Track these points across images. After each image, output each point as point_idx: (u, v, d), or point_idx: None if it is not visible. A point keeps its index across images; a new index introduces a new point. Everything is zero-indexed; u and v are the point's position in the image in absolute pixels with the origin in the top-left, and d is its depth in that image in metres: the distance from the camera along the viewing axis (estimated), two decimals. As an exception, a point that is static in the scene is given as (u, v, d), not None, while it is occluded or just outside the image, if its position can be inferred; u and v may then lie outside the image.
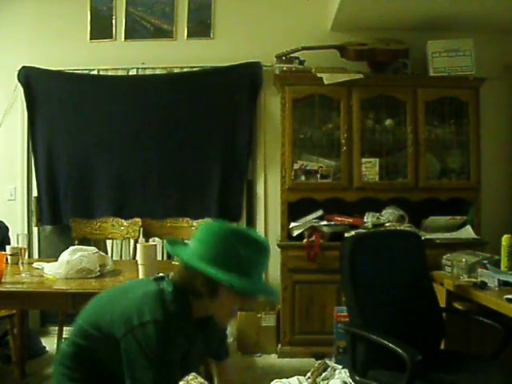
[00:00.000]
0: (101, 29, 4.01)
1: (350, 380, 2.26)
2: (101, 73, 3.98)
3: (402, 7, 3.45)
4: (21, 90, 3.95)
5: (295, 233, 3.57)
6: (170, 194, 3.84)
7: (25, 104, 3.96)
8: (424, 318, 2.31)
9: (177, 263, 1.58)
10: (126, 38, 4.01)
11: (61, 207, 3.95)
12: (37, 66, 3.93)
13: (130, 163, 3.86)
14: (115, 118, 3.89)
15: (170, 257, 3.71)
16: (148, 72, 3.96)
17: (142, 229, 3.60)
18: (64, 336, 3.29)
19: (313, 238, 3.48)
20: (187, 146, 3.86)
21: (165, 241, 1.49)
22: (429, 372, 2.01)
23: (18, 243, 2.98)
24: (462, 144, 3.70)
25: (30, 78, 3.93)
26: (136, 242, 3.48)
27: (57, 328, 3.30)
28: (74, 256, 2.52)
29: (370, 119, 3.70)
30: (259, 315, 3.57)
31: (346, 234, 3.44)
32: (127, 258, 3.72)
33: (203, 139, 3.86)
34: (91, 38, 4.02)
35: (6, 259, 2.71)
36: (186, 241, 1.53)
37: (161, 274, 1.50)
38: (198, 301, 1.41)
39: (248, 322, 3.57)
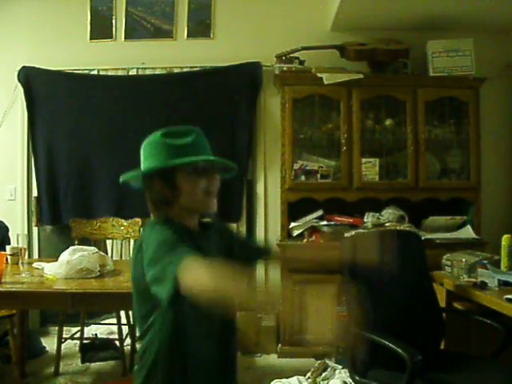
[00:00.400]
0: (101, 29, 4.01)
1: (350, 380, 2.26)
2: (101, 73, 3.97)
3: (402, 7, 3.45)
4: (21, 90, 3.94)
5: (295, 233, 3.57)
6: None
7: (25, 104, 3.95)
8: (424, 318, 2.31)
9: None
10: (125, 38, 4.01)
11: (61, 207, 3.95)
12: (37, 66, 3.92)
13: (130, 163, 3.84)
14: (115, 117, 3.89)
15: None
16: (148, 72, 3.96)
17: (142, 229, 3.60)
18: (64, 336, 3.29)
19: (313, 238, 3.48)
20: (187, 145, 3.85)
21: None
22: (429, 372, 2.01)
23: (18, 243, 2.98)
24: (462, 144, 3.70)
25: (29, 78, 3.93)
26: (136, 242, 3.48)
27: (57, 328, 3.29)
28: (73, 256, 2.52)
29: (369, 119, 3.70)
30: (259, 315, 3.57)
31: (346, 234, 3.44)
32: (127, 258, 3.72)
33: (203, 139, 3.85)
34: (91, 38, 4.01)
35: (6, 259, 2.71)
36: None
37: None
38: (173, 209, 1.46)
39: (248, 322, 3.57)
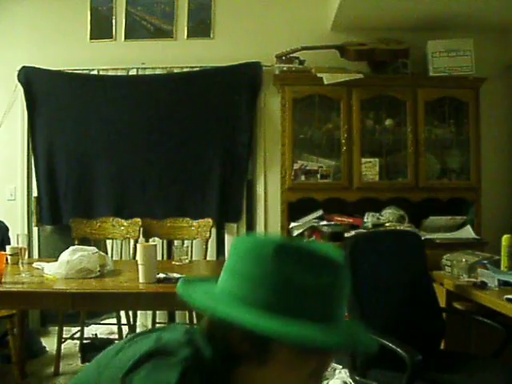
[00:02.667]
0: (101, 29, 4.01)
1: (350, 380, 2.26)
2: (101, 73, 3.97)
3: (402, 7, 3.45)
4: (21, 90, 3.94)
5: (295, 233, 3.57)
6: (170, 193, 3.84)
7: (25, 104, 3.95)
8: (424, 318, 2.31)
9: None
10: (126, 38, 4.00)
11: (61, 207, 3.94)
12: (37, 66, 3.92)
13: (130, 163, 3.85)
14: (115, 117, 3.89)
15: (170, 257, 3.71)
16: (148, 72, 3.95)
17: (141, 229, 3.60)
18: (64, 336, 3.29)
19: (313, 238, 3.48)
20: (187, 145, 3.86)
21: (179, 283, 0.96)
22: (429, 372, 2.01)
23: (18, 243, 2.98)
24: (462, 144, 3.70)
25: (29, 78, 3.93)
26: (136, 242, 3.48)
27: (57, 328, 3.29)
28: (73, 256, 2.52)
29: (370, 119, 3.70)
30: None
31: (346, 234, 3.44)
32: (127, 258, 3.72)
33: (203, 139, 3.86)
34: (91, 38, 4.01)
35: (6, 259, 2.71)
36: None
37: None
38: (239, 371, 0.88)
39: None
